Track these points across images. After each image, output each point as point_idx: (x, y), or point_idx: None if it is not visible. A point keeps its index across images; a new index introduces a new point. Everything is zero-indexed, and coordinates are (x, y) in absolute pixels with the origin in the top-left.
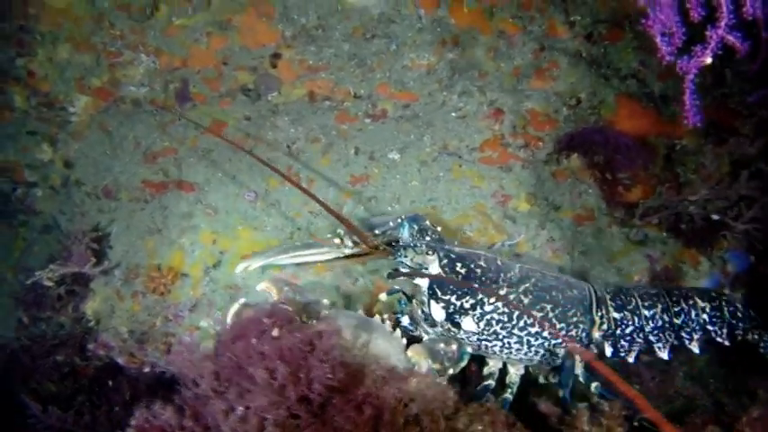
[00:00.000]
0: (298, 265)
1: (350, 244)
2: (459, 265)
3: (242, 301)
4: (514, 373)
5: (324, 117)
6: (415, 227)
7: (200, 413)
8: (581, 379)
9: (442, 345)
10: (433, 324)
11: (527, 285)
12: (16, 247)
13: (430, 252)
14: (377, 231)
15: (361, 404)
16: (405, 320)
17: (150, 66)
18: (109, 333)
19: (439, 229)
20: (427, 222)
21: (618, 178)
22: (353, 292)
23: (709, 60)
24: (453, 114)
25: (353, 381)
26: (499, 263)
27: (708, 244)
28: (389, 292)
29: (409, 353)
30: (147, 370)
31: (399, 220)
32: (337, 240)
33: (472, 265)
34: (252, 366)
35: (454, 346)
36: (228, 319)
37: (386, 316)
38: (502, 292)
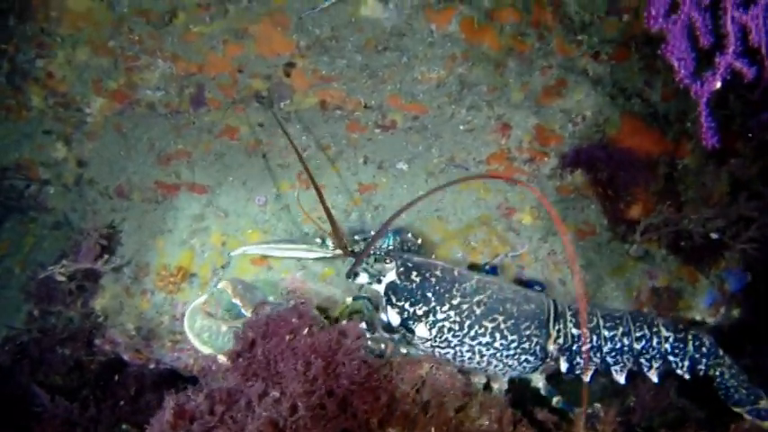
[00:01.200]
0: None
1: (330, 246)
2: (414, 273)
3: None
4: (497, 389)
5: (335, 126)
6: (398, 239)
7: (230, 400)
8: (542, 392)
9: (368, 342)
10: (390, 329)
11: (481, 297)
12: (26, 242)
13: (388, 260)
14: (356, 237)
15: (377, 392)
16: (362, 326)
17: (166, 71)
18: (116, 329)
19: (419, 241)
20: (409, 235)
21: (620, 195)
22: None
23: (718, 85)
24: (461, 127)
25: (373, 372)
26: (456, 274)
27: (707, 262)
28: (355, 298)
29: None
30: (152, 366)
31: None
32: (319, 241)
33: (427, 274)
34: (284, 360)
35: (382, 346)
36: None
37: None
38: (455, 302)
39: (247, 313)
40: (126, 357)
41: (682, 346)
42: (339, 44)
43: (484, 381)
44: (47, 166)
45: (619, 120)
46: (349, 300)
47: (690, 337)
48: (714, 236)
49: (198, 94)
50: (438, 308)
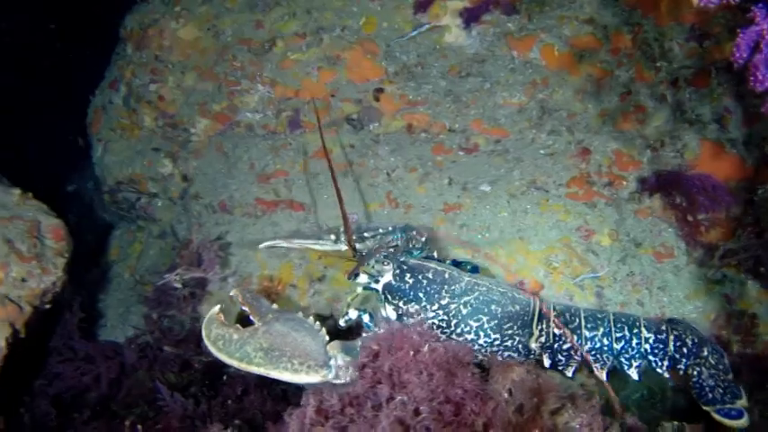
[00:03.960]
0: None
1: (343, 243)
2: (408, 275)
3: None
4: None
5: (421, 148)
6: (405, 236)
7: (358, 402)
8: None
9: (359, 343)
10: (388, 322)
11: (468, 298)
12: (133, 249)
13: (386, 263)
14: (366, 234)
15: (483, 399)
16: (366, 318)
17: (265, 95)
18: None
19: (423, 239)
20: (414, 233)
21: (698, 219)
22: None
23: None
24: (542, 151)
25: (480, 382)
26: (447, 276)
27: None
28: (365, 287)
29: (328, 348)
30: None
31: (391, 228)
32: (333, 237)
33: (419, 276)
34: (408, 371)
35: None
36: None
37: (351, 310)
38: (443, 302)
39: (256, 321)
40: None
41: (662, 346)
42: (425, 70)
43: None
44: (155, 180)
45: (698, 145)
46: (360, 288)
47: (671, 338)
48: None
49: (295, 117)
50: (428, 306)
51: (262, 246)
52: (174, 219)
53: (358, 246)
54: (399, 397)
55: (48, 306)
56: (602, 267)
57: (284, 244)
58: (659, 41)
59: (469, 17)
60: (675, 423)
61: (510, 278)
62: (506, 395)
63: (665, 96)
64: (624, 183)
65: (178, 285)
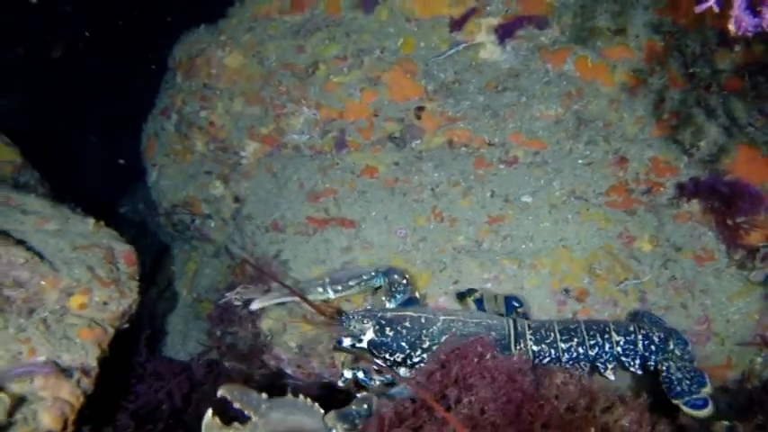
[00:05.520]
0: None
1: (330, 291)
2: (387, 329)
3: None
4: None
5: (462, 162)
6: (387, 279)
7: (429, 406)
8: None
9: (353, 407)
10: (381, 372)
11: (447, 336)
12: (188, 268)
13: (366, 321)
14: (351, 283)
15: (540, 402)
16: (360, 374)
17: (311, 117)
18: (281, 347)
19: (404, 281)
20: (396, 276)
21: (738, 222)
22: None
23: None
24: (580, 161)
25: (537, 386)
26: (423, 321)
27: None
28: (353, 346)
29: (326, 420)
30: (311, 380)
31: (373, 273)
32: (320, 289)
33: (398, 327)
34: (474, 376)
35: (365, 405)
36: None
37: (346, 371)
38: (425, 346)
39: (252, 415)
40: (289, 371)
41: (632, 347)
42: (462, 87)
43: None
44: (208, 202)
45: (733, 149)
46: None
47: (639, 337)
48: None
49: (340, 137)
50: (412, 353)
51: (254, 306)
52: (228, 239)
53: (344, 293)
54: (466, 398)
55: (126, 326)
56: (645, 273)
57: (276, 301)
58: (691, 48)
59: (504, 33)
60: (726, 423)
61: (555, 286)
62: (556, 397)
63: (700, 102)
64: (662, 189)
65: (237, 303)
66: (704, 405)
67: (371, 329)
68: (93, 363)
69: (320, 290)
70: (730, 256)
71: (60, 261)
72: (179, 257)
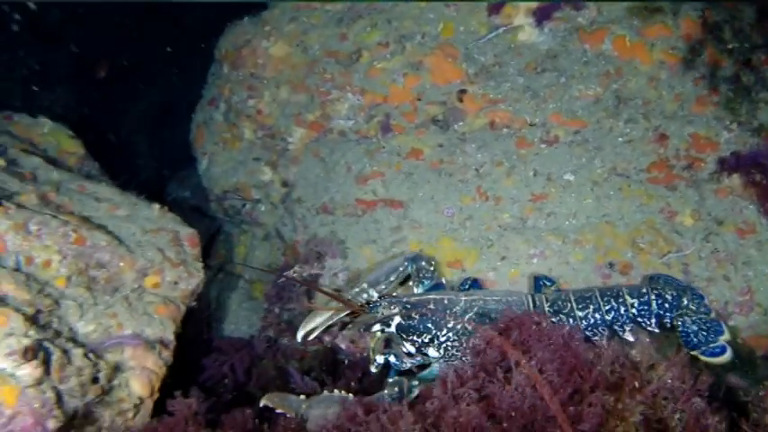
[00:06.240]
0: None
1: (368, 291)
2: (413, 312)
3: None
4: None
5: (504, 143)
6: (414, 266)
7: (491, 368)
8: None
9: (385, 392)
10: (411, 356)
11: (470, 315)
12: (239, 251)
13: (393, 307)
14: (391, 278)
15: (590, 366)
16: (392, 358)
17: (355, 102)
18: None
19: (431, 267)
20: (423, 263)
21: None
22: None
23: None
24: (620, 139)
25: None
26: (446, 301)
27: None
28: (382, 331)
29: None
30: (365, 355)
31: (406, 263)
32: (365, 295)
33: (423, 310)
34: (532, 340)
35: (396, 389)
36: None
37: (378, 356)
38: (450, 325)
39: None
40: (343, 346)
41: (646, 307)
42: (502, 69)
43: None
44: (258, 187)
45: None
46: (378, 333)
47: (653, 297)
48: None
49: (385, 121)
50: (438, 333)
51: (299, 335)
52: (278, 222)
53: (387, 290)
54: (525, 360)
55: (194, 304)
56: (687, 246)
57: (322, 325)
58: (729, 23)
59: (541, 15)
60: None
61: (600, 260)
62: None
63: (739, 77)
64: (703, 164)
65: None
66: (722, 352)
67: (398, 314)
68: (170, 336)
69: (365, 296)
70: None
71: (134, 244)
72: (229, 241)
